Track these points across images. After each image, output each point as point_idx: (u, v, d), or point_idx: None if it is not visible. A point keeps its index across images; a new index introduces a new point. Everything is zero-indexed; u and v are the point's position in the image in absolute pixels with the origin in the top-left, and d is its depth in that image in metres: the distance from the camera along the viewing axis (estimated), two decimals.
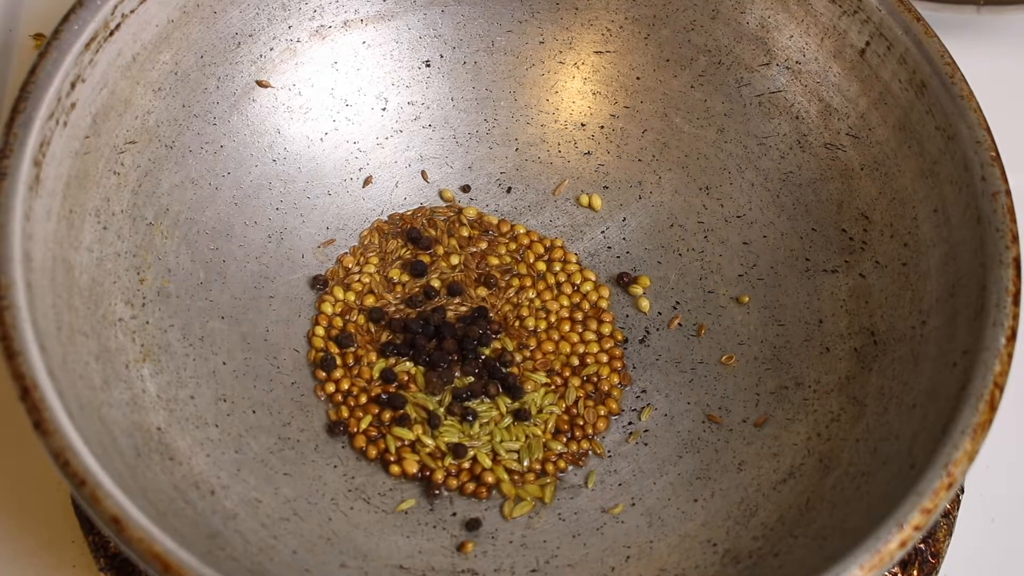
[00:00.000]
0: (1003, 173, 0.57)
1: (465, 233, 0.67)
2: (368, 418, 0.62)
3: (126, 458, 0.54)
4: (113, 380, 0.56)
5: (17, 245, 0.53)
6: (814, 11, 0.64)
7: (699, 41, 0.67)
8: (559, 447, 0.62)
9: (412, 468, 0.61)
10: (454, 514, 0.60)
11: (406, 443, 0.61)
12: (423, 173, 0.68)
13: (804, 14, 0.64)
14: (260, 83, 0.65)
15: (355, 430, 0.62)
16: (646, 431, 0.63)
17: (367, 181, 0.67)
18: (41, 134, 0.55)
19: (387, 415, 0.62)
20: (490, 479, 0.61)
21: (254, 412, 0.61)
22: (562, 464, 0.62)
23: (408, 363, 0.63)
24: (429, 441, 0.61)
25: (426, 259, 0.66)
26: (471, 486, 0.61)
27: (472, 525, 0.60)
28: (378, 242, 0.67)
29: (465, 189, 0.68)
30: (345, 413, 0.62)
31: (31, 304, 0.52)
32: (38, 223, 0.54)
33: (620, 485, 0.61)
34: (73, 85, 0.57)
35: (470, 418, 0.62)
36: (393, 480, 0.61)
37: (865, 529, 0.51)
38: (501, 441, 0.62)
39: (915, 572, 0.60)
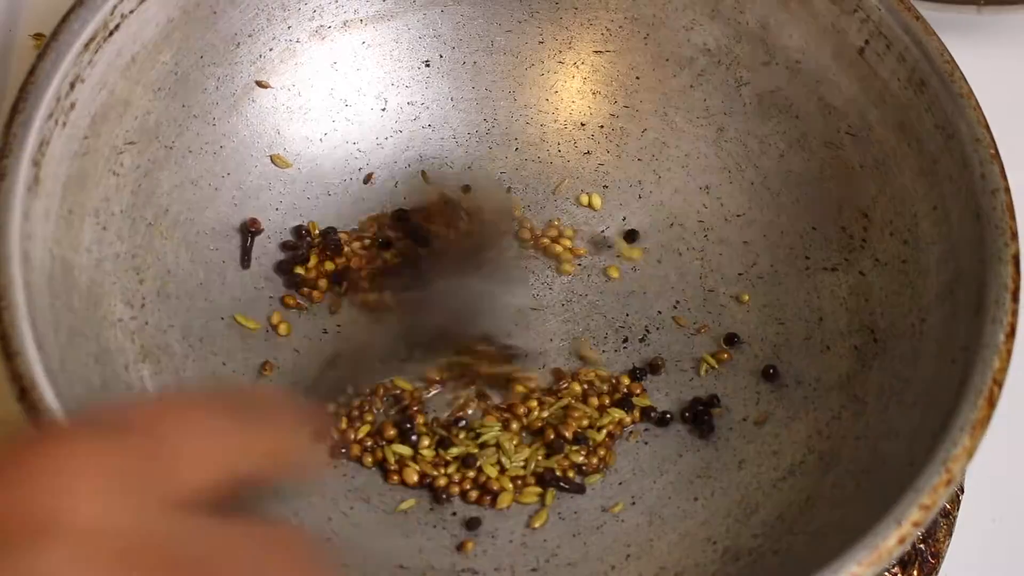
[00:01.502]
0: (1002, 170, 0.57)
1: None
2: (365, 428, 0.61)
3: None
4: (112, 380, 0.56)
5: (15, 245, 0.53)
6: (813, 10, 0.64)
7: (699, 40, 0.67)
8: (579, 459, 0.61)
9: (412, 478, 0.60)
10: (454, 513, 0.60)
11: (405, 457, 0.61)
12: (423, 173, 0.68)
13: (803, 13, 0.64)
14: (260, 83, 0.66)
15: (352, 438, 0.61)
16: (646, 430, 0.63)
17: (368, 178, 0.67)
18: (40, 134, 0.55)
19: (391, 432, 0.61)
20: (495, 487, 0.60)
21: None
22: (571, 474, 0.61)
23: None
24: (428, 452, 0.61)
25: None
26: (475, 493, 0.60)
27: (472, 524, 0.60)
28: (376, 229, 0.66)
29: (465, 190, 0.68)
30: (344, 425, 0.61)
31: (30, 304, 0.52)
32: (37, 223, 0.54)
33: (620, 484, 0.61)
34: (72, 85, 0.57)
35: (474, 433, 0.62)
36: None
37: (864, 526, 0.51)
38: (511, 460, 0.61)
39: (915, 572, 0.60)
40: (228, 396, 0.41)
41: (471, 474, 0.61)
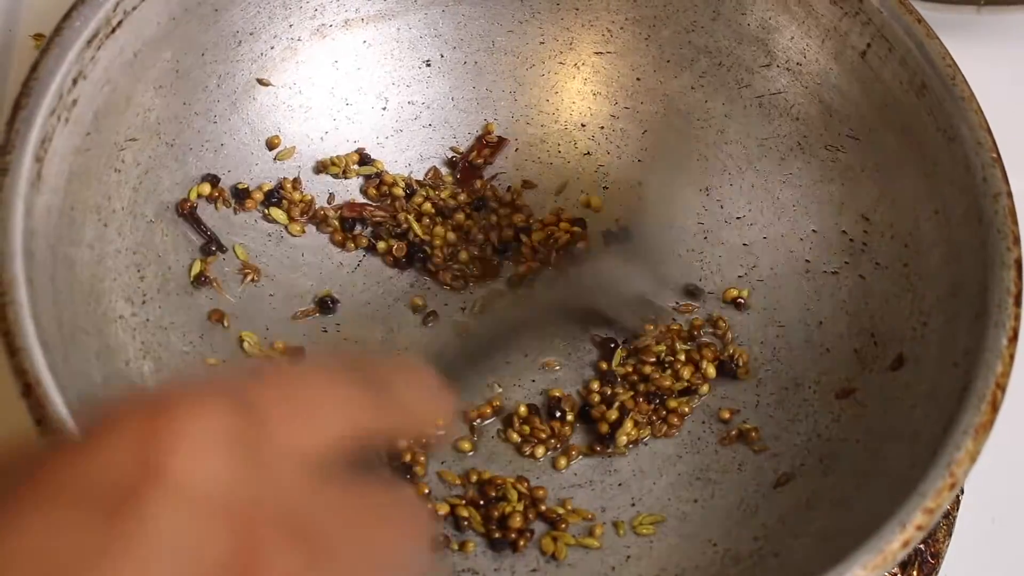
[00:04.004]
0: (1004, 175, 0.57)
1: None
2: None
3: None
4: (113, 377, 0.56)
5: (19, 241, 0.52)
6: (815, 12, 0.64)
7: (700, 42, 0.67)
8: None
9: (442, 510, 0.60)
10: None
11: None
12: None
13: (805, 15, 0.64)
14: (261, 81, 0.65)
15: None
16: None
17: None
18: (43, 130, 0.55)
19: None
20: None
21: None
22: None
23: None
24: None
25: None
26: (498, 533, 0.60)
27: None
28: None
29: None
30: None
31: (32, 300, 0.51)
32: (40, 219, 0.54)
33: (620, 485, 0.61)
34: (75, 82, 0.57)
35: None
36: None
37: (867, 529, 0.51)
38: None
39: (915, 572, 0.60)
40: (360, 363, 0.41)
41: (495, 514, 0.60)
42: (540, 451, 0.62)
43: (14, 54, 0.73)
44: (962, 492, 0.62)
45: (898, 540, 0.50)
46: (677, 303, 0.65)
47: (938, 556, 0.60)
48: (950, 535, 0.61)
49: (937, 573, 0.60)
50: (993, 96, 0.63)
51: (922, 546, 0.60)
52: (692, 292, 0.65)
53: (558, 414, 0.62)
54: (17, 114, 0.55)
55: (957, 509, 0.62)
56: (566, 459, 0.62)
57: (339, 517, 0.36)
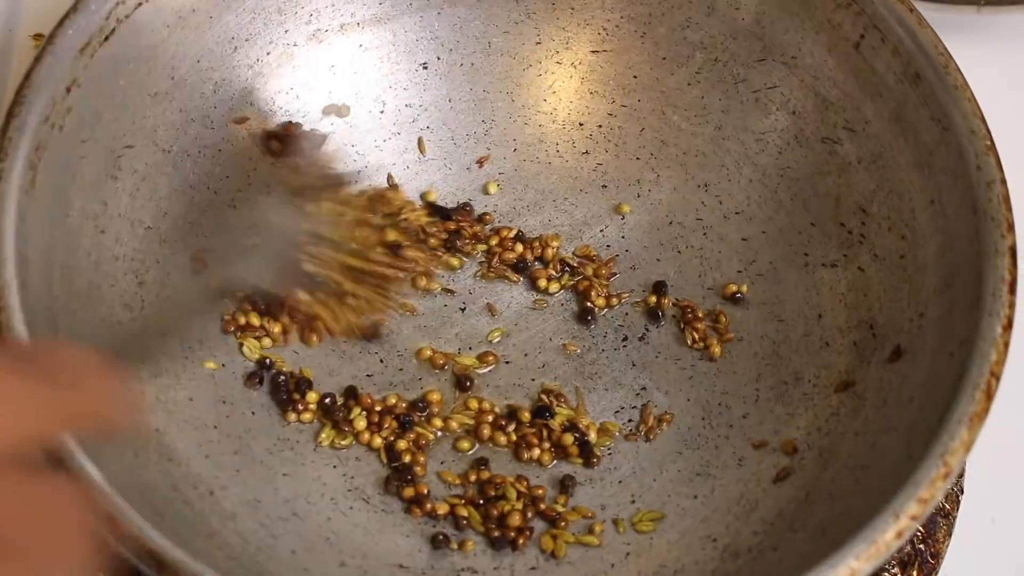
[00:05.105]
0: (998, 162, 0.57)
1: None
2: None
3: (124, 458, 0.54)
4: None
5: (11, 247, 0.53)
6: (808, 5, 0.64)
7: (695, 38, 0.67)
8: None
9: (442, 509, 0.60)
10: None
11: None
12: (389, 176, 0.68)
13: (799, 8, 0.64)
14: (237, 121, 0.65)
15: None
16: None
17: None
18: (36, 138, 0.56)
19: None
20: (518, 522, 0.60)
21: (253, 413, 0.61)
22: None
23: None
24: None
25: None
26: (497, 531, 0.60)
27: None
28: None
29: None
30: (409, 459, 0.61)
31: (26, 306, 0.52)
32: (34, 226, 0.55)
33: (620, 483, 0.61)
34: (68, 90, 0.57)
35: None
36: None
37: (862, 521, 0.50)
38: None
39: (915, 572, 0.60)
40: (35, 356, 0.42)
41: (493, 512, 0.60)
42: (537, 452, 0.62)
43: (14, 54, 0.73)
44: (962, 492, 0.62)
45: (892, 530, 0.50)
46: None
47: (938, 556, 0.60)
48: (950, 535, 0.61)
49: (937, 573, 0.60)
50: (993, 96, 0.63)
51: (922, 546, 0.60)
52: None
53: (548, 415, 0.62)
54: (10, 122, 0.55)
55: (957, 509, 0.61)
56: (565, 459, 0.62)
57: (10, 516, 0.37)
